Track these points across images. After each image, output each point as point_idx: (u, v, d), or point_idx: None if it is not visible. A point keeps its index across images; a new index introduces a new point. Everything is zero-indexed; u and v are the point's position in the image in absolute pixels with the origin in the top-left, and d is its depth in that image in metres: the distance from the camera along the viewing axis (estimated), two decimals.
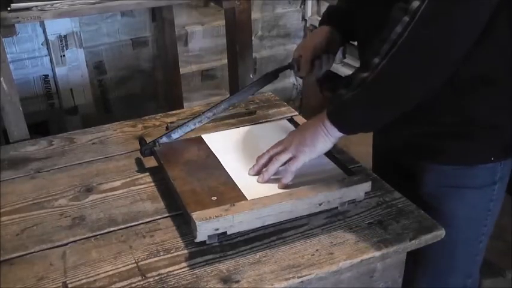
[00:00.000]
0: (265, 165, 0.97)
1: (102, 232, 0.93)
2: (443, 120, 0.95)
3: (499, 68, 0.90)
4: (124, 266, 0.85)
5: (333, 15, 1.15)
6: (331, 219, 0.94)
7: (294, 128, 1.11)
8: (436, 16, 0.75)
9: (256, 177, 0.97)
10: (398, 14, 0.77)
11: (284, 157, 0.94)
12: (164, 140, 1.09)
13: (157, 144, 1.08)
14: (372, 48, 0.82)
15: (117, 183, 1.06)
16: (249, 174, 0.98)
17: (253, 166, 0.99)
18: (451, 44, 0.77)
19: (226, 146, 1.09)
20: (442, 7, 0.74)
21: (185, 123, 1.11)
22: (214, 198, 0.91)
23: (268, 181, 0.96)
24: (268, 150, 0.98)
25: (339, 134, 0.90)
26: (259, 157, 0.99)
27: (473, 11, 0.75)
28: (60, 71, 1.98)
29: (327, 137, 0.91)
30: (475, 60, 0.87)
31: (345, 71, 2.24)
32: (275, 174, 0.95)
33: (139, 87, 2.22)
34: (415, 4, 0.75)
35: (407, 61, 0.79)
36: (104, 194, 1.03)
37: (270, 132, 1.14)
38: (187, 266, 0.84)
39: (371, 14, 0.94)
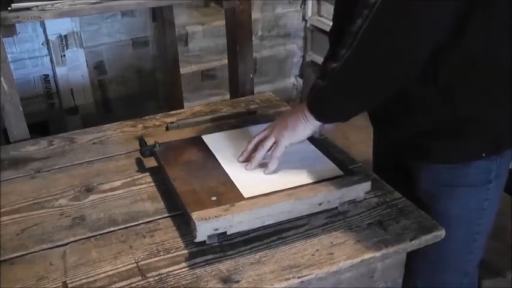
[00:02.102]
0: (252, 152, 1.01)
1: (102, 232, 0.93)
2: (433, 119, 0.95)
3: (482, 67, 0.90)
4: (124, 266, 0.85)
5: None
6: (331, 219, 0.94)
7: None
8: (391, 10, 0.77)
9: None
10: (360, 8, 0.80)
11: (268, 143, 0.98)
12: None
13: (157, 145, 1.08)
14: (341, 42, 0.85)
15: (117, 183, 1.06)
16: (238, 161, 1.02)
17: (242, 153, 1.03)
18: (407, 38, 0.78)
19: (226, 146, 1.09)
20: (398, 1, 0.76)
21: None
22: (214, 198, 0.91)
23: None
24: (253, 138, 1.03)
25: (317, 122, 0.94)
26: (247, 144, 1.03)
27: (430, 7, 0.76)
28: (60, 71, 1.98)
29: (306, 124, 0.95)
30: (457, 60, 0.87)
31: None
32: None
33: (139, 87, 2.22)
34: None
35: (366, 52, 0.82)
36: (104, 194, 1.03)
37: None
38: (187, 266, 0.84)
39: None
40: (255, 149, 1.01)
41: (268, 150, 0.99)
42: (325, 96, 0.91)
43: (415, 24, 0.77)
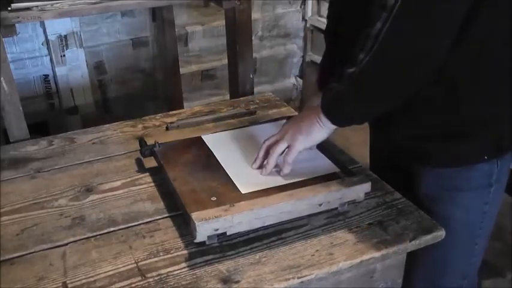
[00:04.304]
0: (265, 157, 0.99)
1: (102, 232, 0.93)
2: (433, 122, 0.95)
3: (486, 66, 0.90)
4: (124, 266, 0.85)
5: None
6: (331, 219, 0.94)
7: None
8: (412, 11, 0.77)
9: (256, 176, 0.97)
10: (377, 10, 0.79)
11: (280, 147, 0.96)
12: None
13: (157, 144, 1.08)
14: (357, 45, 0.85)
15: (117, 183, 1.06)
16: (252, 168, 1.00)
17: (255, 160, 1.01)
18: (428, 38, 0.79)
19: (226, 146, 1.09)
20: (417, 2, 0.76)
21: None
22: (213, 198, 0.91)
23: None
24: (264, 142, 1.00)
25: (333, 126, 0.93)
26: (258, 150, 1.01)
27: (447, 5, 0.77)
28: (60, 70, 1.98)
29: (321, 127, 0.93)
30: (461, 60, 0.87)
31: None
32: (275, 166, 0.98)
33: (139, 87, 2.22)
34: (392, 0, 0.77)
35: (388, 56, 0.82)
36: (104, 194, 1.03)
37: (270, 132, 1.14)
38: (187, 266, 0.84)
39: (359, 16, 0.94)
40: (267, 154, 0.99)
41: (281, 154, 0.97)
42: (343, 100, 0.89)
43: (436, 23, 0.77)
